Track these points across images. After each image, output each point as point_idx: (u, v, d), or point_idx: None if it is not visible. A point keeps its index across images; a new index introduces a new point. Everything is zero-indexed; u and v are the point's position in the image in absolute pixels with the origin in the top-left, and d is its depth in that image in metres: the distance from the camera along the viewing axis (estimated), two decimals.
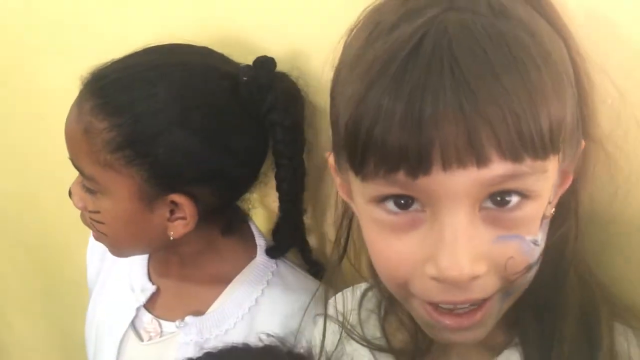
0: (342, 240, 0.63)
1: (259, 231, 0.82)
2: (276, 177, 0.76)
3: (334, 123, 0.50)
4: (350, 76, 0.46)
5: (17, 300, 1.58)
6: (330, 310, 0.66)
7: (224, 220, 0.79)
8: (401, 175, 0.43)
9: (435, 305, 0.48)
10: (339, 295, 0.69)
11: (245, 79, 0.71)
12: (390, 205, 0.46)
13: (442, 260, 0.44)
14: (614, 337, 0.51)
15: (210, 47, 0.74)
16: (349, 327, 0.64)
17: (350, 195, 0.53)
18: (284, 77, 0.74)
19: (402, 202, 0.45)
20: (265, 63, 0.73)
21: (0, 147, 1.33)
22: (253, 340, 0.63)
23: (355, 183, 0.48)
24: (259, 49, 0.75)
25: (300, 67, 0.74)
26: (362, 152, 0.44)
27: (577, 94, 0.47)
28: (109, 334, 0.81)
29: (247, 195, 0.79)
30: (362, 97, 0.43)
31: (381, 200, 0.46)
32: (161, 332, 0.78)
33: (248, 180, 0.77)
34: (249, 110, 0.71)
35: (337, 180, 0.56)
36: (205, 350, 0.63)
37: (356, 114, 0.44)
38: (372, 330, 0.63)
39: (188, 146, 0.68)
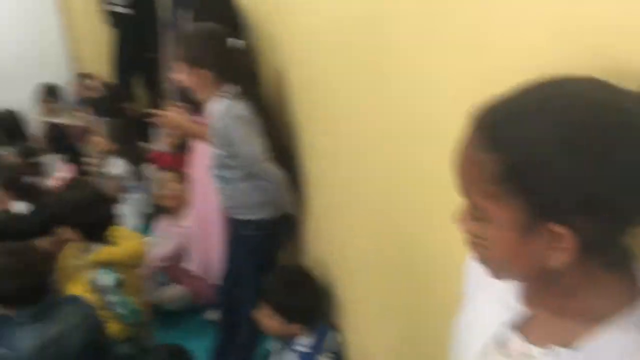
0: None
1: None
2: None
3: None
4: None
5: (382, 299, 1.74)
6: None
7: (606, 254, 0.74)
8: None
9: None
10: None
11: (634, 107, 0.66)
12: None
13: None
14: None
15: (598, 76, 0.71)
16: None
17: None
18: None
19: None
20: None
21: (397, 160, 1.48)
22: None
23: None
24: None
25: None
26: None
27: None
28: (474, 345, 0.86)
29: (633, 230, 0.73)
30: None
31: None
32: (527, 355, 0.80)
33: (634, 213, 0.71)
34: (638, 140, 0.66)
35: None
36: None
37: None
38: None
39: (572, 176, 0.67)
